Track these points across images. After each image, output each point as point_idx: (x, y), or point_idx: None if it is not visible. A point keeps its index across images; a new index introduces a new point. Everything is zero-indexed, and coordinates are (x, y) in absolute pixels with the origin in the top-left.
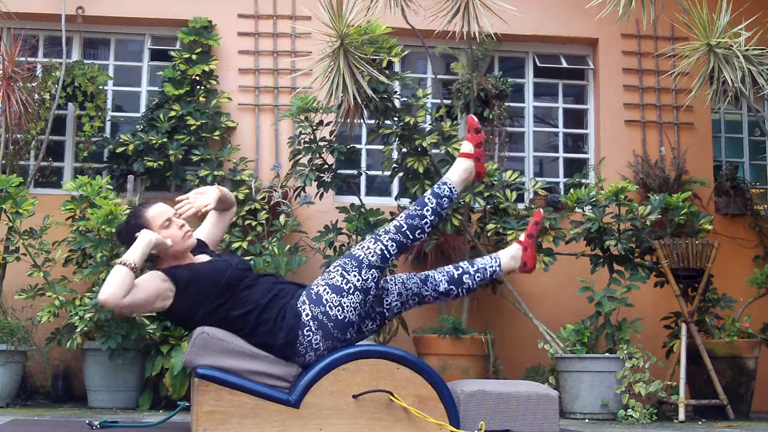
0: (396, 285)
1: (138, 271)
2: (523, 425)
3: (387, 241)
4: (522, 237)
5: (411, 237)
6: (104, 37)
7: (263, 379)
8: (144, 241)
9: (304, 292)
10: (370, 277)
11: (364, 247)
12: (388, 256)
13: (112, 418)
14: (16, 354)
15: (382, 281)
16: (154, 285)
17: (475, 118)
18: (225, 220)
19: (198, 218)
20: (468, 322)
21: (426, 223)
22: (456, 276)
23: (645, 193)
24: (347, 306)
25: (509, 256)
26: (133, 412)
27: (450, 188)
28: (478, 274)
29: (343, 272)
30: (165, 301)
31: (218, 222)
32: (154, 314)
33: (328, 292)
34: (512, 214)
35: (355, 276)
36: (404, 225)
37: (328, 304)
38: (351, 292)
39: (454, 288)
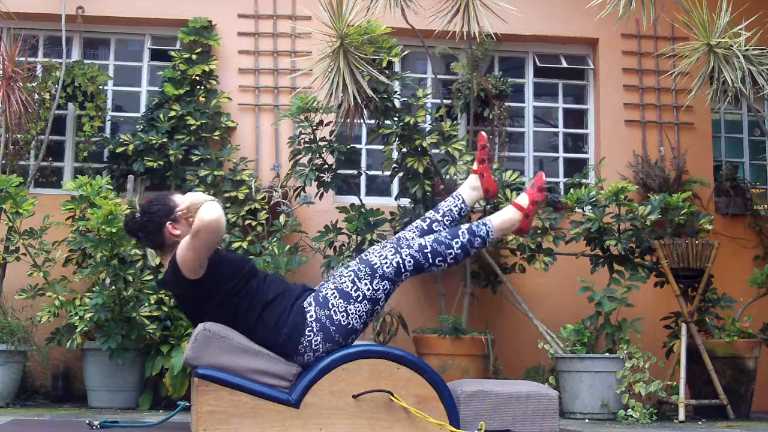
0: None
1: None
2: (523, 425)
3: (406, 255)
4: (475, 166)
5: (430, 261)
6: (104, 37)
7: (263, 378)
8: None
9: (312, 294)
10: (381, 288)
11: (381, 255)
12: (402, 271)
13: (112, 418)
14: (16, 354)
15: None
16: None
17: (544, 178)
18: None
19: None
20: (468, 322)
21: (451, 254)
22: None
23: (645, 193)
24: (352, 313)
25: (469, 188)
26: (133, 412)
27: (488, 230)
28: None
29: (355, 278)
30: (202, 268)
31: None
32: (155, 314)
33: (335, 297)
34: None
35: (366, 285)
36: (428, 247)
37: (333, 309)
38: (359, 300)
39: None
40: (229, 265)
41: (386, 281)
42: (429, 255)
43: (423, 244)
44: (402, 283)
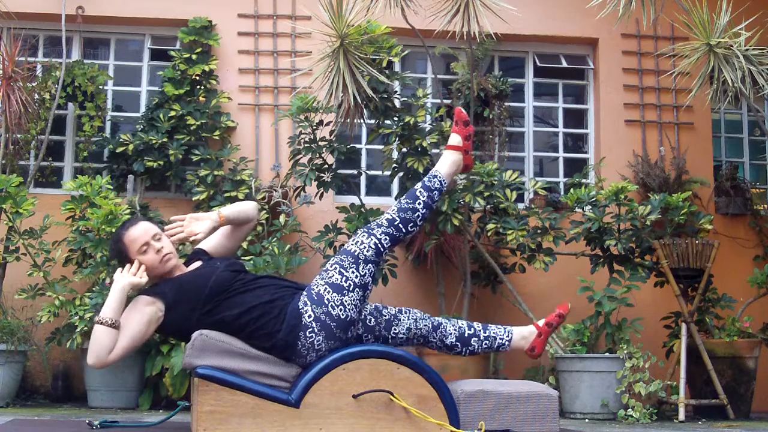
0: (408, 319)
1: (117, 324)
2: (523, 425)
3: (380, 234)
4: (541, 322)
5: (404, 230)
6: (104, 37)
7: (263, 380)
8: (116, 292)
9: (305, 293)
10: (367, 272)
11: (358, 242)
12: (382, 249)
13: (112, 417)
14: (16, 354)
15: (395, 310)
16: (143, 316)
17: (464, 111)
18: (240, 234)
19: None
20: None
21: (418, 216)
22: (466, 335)
23: (645, 193)
24: (348, 304)
25: (522, 335)
26: (133, 411)
27: (440, 181)
28: (486, 342)
29: (341, 270)
30: (158, 322)
31: (231, 235)
32: None
33: (329, 292)
34: (512, 214)
35: (353, 273)
36: (397, 218)
37: (330, 304)
38: (351, 289)
39: (459, 346)
40: (184, 302)
41: (370, 264)
42: (400, 225)
43: (391, 217)
44: (384, 259)
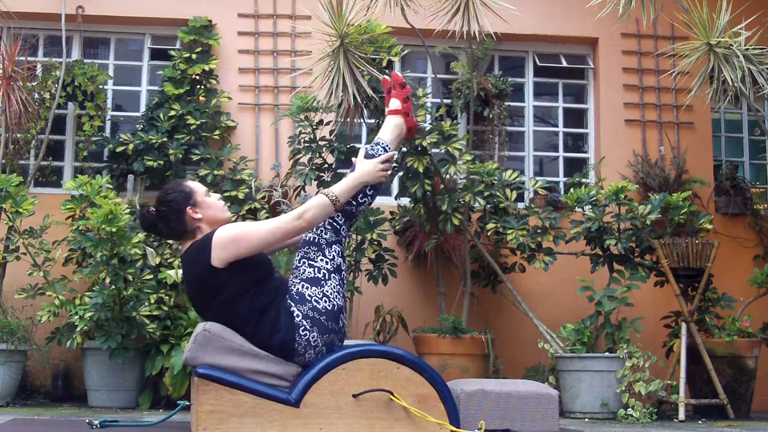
0: (318, 237)
1: (339, 207)
2: (523, 425)
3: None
4: (399, 106)
5: (354, 203)
6: (104, 36)
7: (264, 378)
8: (361, 177)
9: (288, 295)
10: (335, 254)
11: (313, 228)
12: (338, 227)
13: (112, 417)
14: (16, 353)
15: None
16: None
17: (399, 73)
18: (282, 244)
19: None
20: (468, 322)
21: (367, 186)
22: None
23: (645, 192)
24: (330, 293)
25: (395, 126)
26: (133, 411)
27: (384, 148)
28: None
29: (310, 261)
30: (236, 261)
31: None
32: (155, 313)
33: (307, 288)
34: (512, 214)
35: (322, 260)
36: None
37: (313, 299)
38: (326, 278)
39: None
40: (254, 265)
41: (334, 245)
42: (350, 198)
43: None
44: (346, 236)
